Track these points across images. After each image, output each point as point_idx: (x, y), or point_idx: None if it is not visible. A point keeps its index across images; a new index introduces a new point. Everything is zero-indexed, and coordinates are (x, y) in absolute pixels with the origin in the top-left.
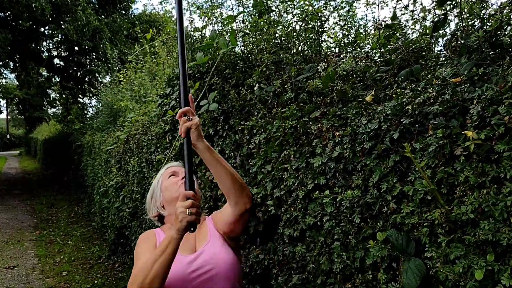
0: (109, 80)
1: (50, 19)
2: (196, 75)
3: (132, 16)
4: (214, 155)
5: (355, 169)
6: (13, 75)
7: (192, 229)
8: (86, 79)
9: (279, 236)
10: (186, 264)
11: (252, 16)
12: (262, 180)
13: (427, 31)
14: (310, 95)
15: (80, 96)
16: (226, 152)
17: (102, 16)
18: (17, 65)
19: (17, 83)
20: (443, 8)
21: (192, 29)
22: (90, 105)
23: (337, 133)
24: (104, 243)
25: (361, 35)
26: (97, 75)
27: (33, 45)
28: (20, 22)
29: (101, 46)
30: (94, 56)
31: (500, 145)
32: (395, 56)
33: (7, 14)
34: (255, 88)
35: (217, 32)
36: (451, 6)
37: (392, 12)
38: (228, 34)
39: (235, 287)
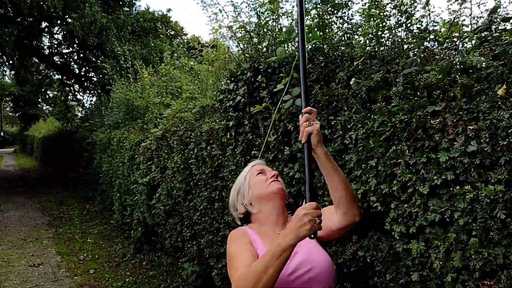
0: (110, 76)
1: (55, 15)
2: (268, 70)
3: (136, 13)
4: (331, 162)
5: (495, 163)
6: (10, 72)
7: (312, 235)
8: (90, 75)
9: (373, 233)
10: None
11: (322, 11)
12: (361, 175)
13: None
14: (415, 89)
15: (81, 93)
16: None
17: (106, 14)
18: (16, 61)
19: (10, 80)
20: None
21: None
22: (92, 102)
23: (470, 127)
24: (126, 241)
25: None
26: (102, 70)
27: (35, 41)
28: (23, 17)
29: (109, 43)
30: (99, 53)
31: None
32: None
33: (10, 9)
34: (351, 82)
35: (294, 27)
36: None
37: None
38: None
39: (331, 286)
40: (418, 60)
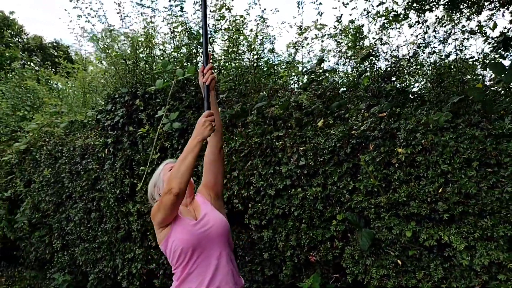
0: None
1: None
2: (146, 96)
3: None
4: (215, 98)
5: (316, 173)
6: None
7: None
8: None
9: (236, 227)
10: (194, 225)
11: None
12: (226, 183)
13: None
14: (265, 119)
15: None
16: None
17: None
18: None
19: None
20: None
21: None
22: None
23: (301, 148)
24: None
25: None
26: None
27: None
28: None
29: None
30: None
31: (419, 157)
32: (329, 92)
33: None
34: (219, 110)
35: (168, 60)
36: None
37: (318, 58)
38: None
39: (228, 238)
40: (267, 96)
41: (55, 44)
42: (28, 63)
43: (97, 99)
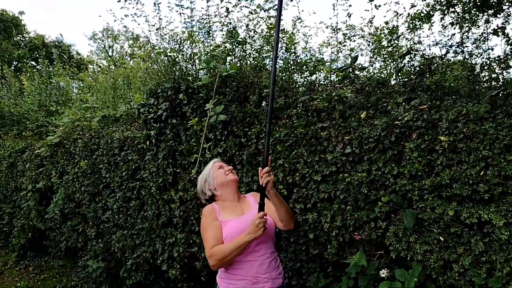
0: None
1: None
2: (189, 90)
3: None
4: (279, 198)
5: (361, 160)
6: None
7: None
8: None
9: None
10: (240, 221)
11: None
12: (272, 170)
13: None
14: (308, 111)
15: None
16: (232, 151)
17: None
18: None
19: None
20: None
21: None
22: None
23: (346, 137)
24: (1, 250)
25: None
26: None
27: None
28: None
29: None
30: None
31: (461, 144)
32: (367, 87)
33: None
34: (263, 104)
35: (210, 57)
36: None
37: (353, 56)
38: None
39: (272, 238)
40: (307, 91)
41: (57, 43)
42: (55, 60)
43: (130, 95)
